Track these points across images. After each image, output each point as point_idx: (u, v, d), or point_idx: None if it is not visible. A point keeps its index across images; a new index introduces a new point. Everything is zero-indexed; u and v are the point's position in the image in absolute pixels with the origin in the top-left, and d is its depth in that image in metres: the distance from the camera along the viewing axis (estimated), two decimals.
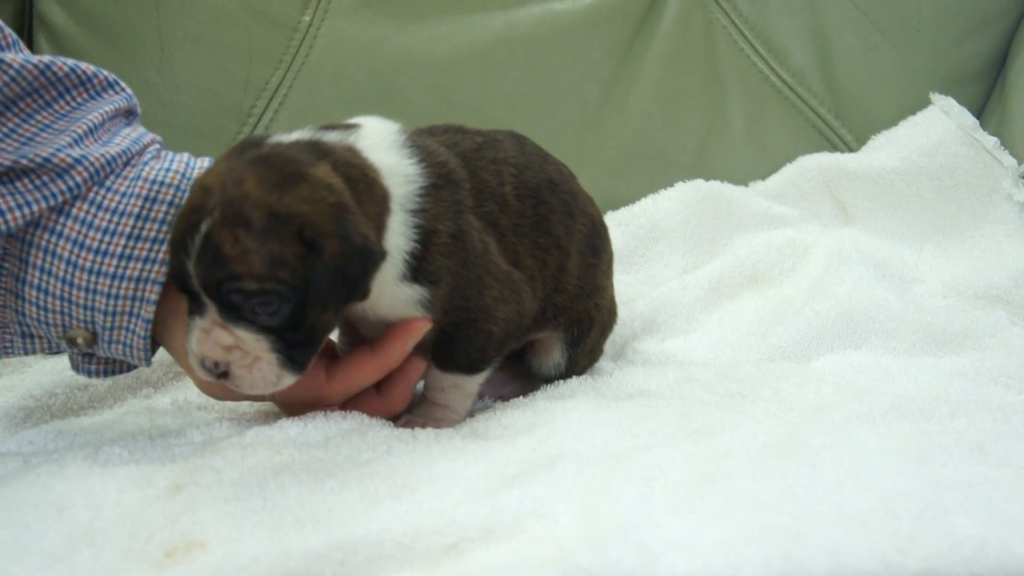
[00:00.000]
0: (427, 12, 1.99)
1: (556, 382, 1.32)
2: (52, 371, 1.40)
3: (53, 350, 1.14)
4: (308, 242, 0.97)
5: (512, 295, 1.17)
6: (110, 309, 1.07)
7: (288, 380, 1.04)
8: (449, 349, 1.18)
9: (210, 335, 1.01)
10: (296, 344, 1.02)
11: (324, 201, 0.99)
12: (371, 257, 1.01)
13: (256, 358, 1.01)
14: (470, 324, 1.15)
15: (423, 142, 1.14)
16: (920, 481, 0.82)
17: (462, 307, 1.13)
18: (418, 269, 1.09)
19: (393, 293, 1.09)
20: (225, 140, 1.91)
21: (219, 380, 1.03)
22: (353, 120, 1.14)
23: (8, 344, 1.13)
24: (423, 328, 1.12)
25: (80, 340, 1.09)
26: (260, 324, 1.00)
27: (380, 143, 1.10)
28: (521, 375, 1.37)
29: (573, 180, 1.31)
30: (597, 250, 1.32)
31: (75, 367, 1.17)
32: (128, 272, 1.06)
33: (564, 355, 1.33)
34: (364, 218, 1.03)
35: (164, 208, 1.08)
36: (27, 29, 1.97)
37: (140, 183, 1.08)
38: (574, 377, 1.33)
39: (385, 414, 1.16)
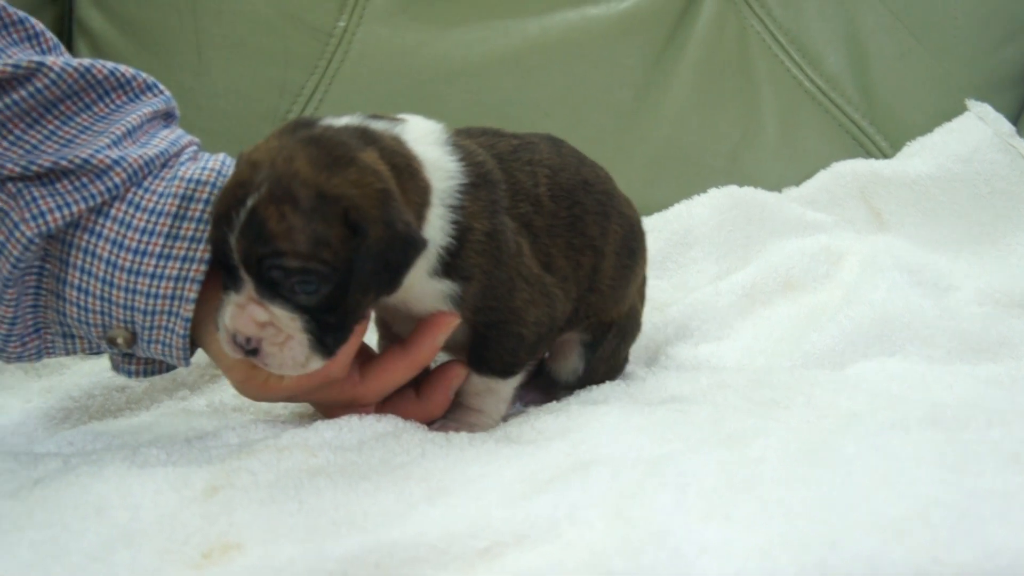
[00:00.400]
0: (462, 18, 1.99)
1: (589, 387, 1.32)
2: (90, 373, 1.41)
3: (94, 350, 1.15)
4: (353, 225, 0.98)
5: (543, 299, 1.17)
6: (149, 308, 1.08)
7: (315, 364, 1.04)
8: (482, 351, 1.19)
9: (245, 310, 1.01)
10: (328, 327, 1.02)
11: (371, 186, 0.99)
12: (414, 245, 1.02)
13: (288, 336, 1.02)
14: (501, 326, 1.16)
15: (463, 142, 1.15)
16: (956, 490, 0.82)
17: (493, 307, 1.14)
18: (451, 265, 1.10)
19: (422, 287, 1.10)
20: None
21: (248, 357, 1.03)
22: (398, 116, 1.15)
23: (50, 344, 1.14)
24: (452, 323, 1.12)
25: (120, 340, 1.10)
26: (296, 303, 1.00)
27: (424, 137, 1.11)
28: (549, 386, 1.38)
29: (610, 182, 1.31)
30: (633, 252, 1.33)
31: (115, 367, 1.18)
32: (167, 271, 1.07)
33: (582, 360, 1.33)
34: (407, 207, 1.04)
35: (201, 207, 1.08)
36: (67, 34, 1.99)
37: (177, 182, 1.09)
38: (607, 383, 1.33)
39: (423, 418, 1.17)
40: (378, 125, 1.09)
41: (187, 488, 0.92)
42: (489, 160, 1.15)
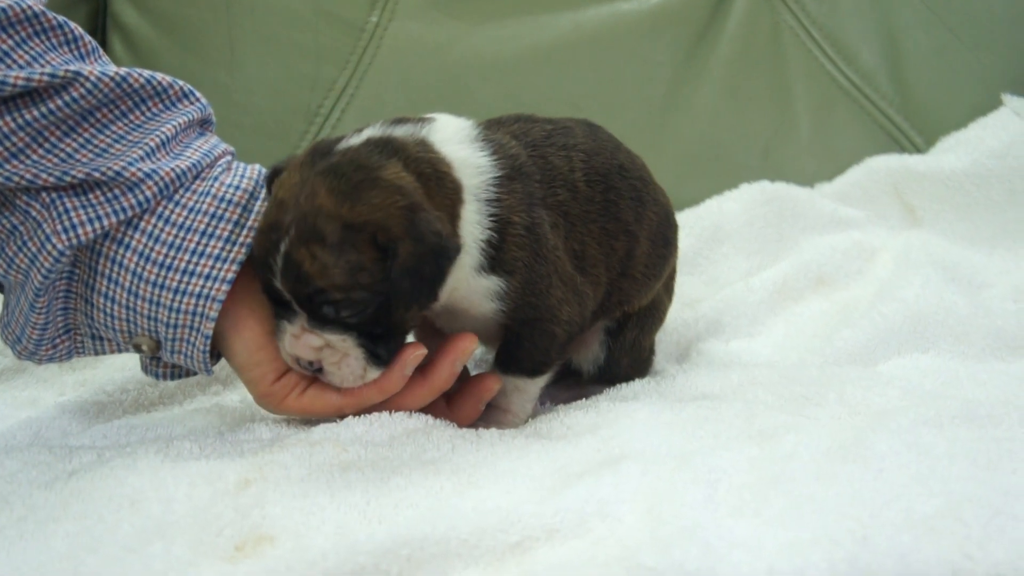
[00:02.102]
0: (493, 13, 2.00)
1: (618, 385, 1.32)
2: (124, 367, 1.42)
3: (122, 350, 1.17)
4: (383, 247, 1.00)
5: (575, 297, 1.18)
6: (172, 322, 1.09)
7: (373, 374, 1.08)
8: (514, 351, 1.19)
9: (300, 339, 1.06)
10: (380, 339, 1.06)
11: (395, 205, 1.01)
12: (446, 254, 1.03)
13: (344, 354, 1.06)
14: (535, 323, 1.16)
15: (494, 135, 1.15)
16: (989, 487, 0.81)
17: (532, 304, 1.14)
18: (495, 259, 1.11)
19: (469, 284, 1.11)
20: (293, 140, 1.93)
21: (314, 375, 1.09)
22: (425, 115, 1.15)
23: (79, 345, 1.16)
24: (470, 348, 1.13)
25: (145, 347, 1.13)
26: (346, 325, 1.04)
27: (452, 136, 1.12)
28: (576, 382, 1.38)
29: (645, 170, 1.31)
30: (668, 241, 1.33)
31: (144, 369, 1.20)
32: (191, 288, 1.08)
33: (603, 349, 1.33)
34: (437, 212, 1.05)
35: (229, 227, 1.10)
36: (101, 30, 2.00)
37: (208, 200, 1.11)
38: (636, 380, 1.33)
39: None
40: (401, 131, 1.09)
41: (220, 481, 0.92)
42: (522, 152, 1.16)
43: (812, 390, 1.19)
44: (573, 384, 1.37)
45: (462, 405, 1.17)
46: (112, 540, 0.83)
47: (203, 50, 1.95)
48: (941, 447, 0.92)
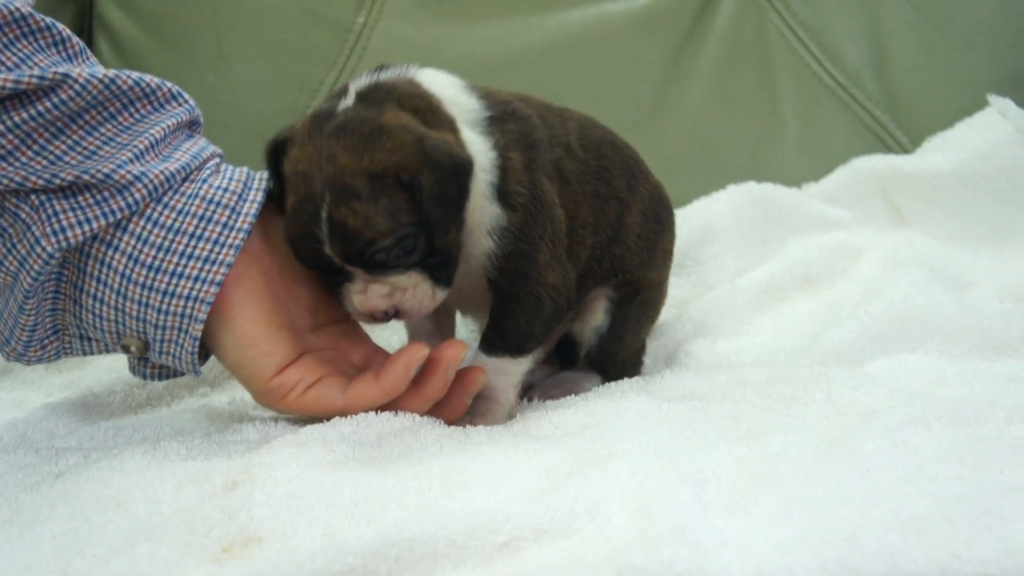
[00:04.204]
0: (481, 13, 2.00)
1: (607, 383, 1.31)
2: (111, 369, 1.42)
3: (110, 351, 1.16)
4: (408, 185, 1.05)
5: (559, 265, 1.20)
6: (160, 323, 1.09)
7: (441, 294, 1.15)
8: (500, 321, 1.20)
9: (368, 293, 1.11)
10: (438, 266, 1.12)
11: (405, 143, 1.06)
12: (463, 168, 1.09)
13: (413, 286, 1.12)
14: (523, 281, 1.18)
15: (485, 88, 1.21)
16: (976, 487, 0.82)
17: (522, 252, 1.17)
18: (500, 189, 1.15)
19: (481, 210, 1.14)
20: None
21: (391, 320, 1.15)
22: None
23: (68, 346, 1.16)
24: (460, 355, 1.13)
25: (133, 348, 1.13)
26: (404, 265, 1.10)
27: (439, 81, 1.17)
28: (566, 382, 1.38)
29: (637, 157, 1.36)
30: (661, 219, 1.36)
31: (132, 370, 1.20)
32: (179, 290, 1.08)
33: (608, 317, 1.34)
34: (440, 132, 1.10)
35: (217, 230, 1.10)
36: (87, 30, 2.00)
37: (196, 202, 1.11)
38: (625, 379, 1.33)
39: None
40: (388, 75, 1.15)
41: (207, 482, 0.92)
42: (517, 102, 1.21)
43: (800, 390, 1.19)
44: (565, 377, 1.37)
45: (448, 400, 1.17)
46: (99, 541, 0.83)
47: (190, 50, 1.95)
48: (929, 447, 0.93)
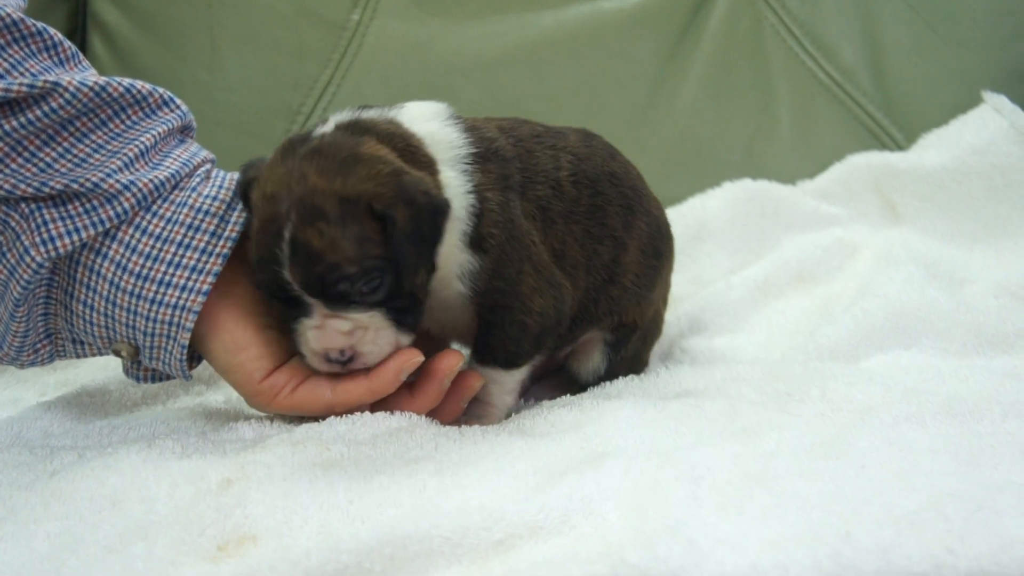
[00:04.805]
0: (475, 11, 2.00)
1: (603, 383, 1.31)
2: (105, 368, 1.42)
3: (103, 353, 1.17)
4: (380, 216, 1.01)
5: (550, 288, 1.17)
6: (149, 330, 1.10)
7: (406, 340, 1.10)
8: (486, 339, 1.18)
9: (326, 329, 1.06)
10: (403, 310, 1.07)
11: (381, 173, 1.02)
12: (439, 209, 1.04)
13: (376, 329, 1.06)
14: (505, 312, 1.15)
15: (472, 120, 1.17)
16: (971, 482, 0.82)
17: (500, 289, 1.14)
18: (472, 235, 1.11)
19: (452, 261, 1.11)
20: (275, 138, 1.90)
21: (345, 367, 1.08)
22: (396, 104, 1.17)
23: (61, 349, 1.17)
24: (456, 365, 1.12)
25: (124, 353, 1.13)
26: (368, 303, 1.04)
27: (421, 116, 1.13)
28: (564, 384, 1.38)
29: (639, 179, 1.32)
30: (660, 253, 1.33)
31: (125, 372, 1.21)
32: (167, 299, 1.08)
33: (604, 360, 1.33)
34: (420, 173, 1.06)
35: (205, 238, 1.10)
36: (81, 28, 2.00)
37: (185, 210, 1.11)
38: (620, 378, 1.32)
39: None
40: (370, 114, 1.12)
41: (202, 481, 0.92)
42: (501, 139, 1.16)
43: (795, 387, 1.19)
44: (563, 384, 1.37)
45: (444, 403, 1.17)
46: (93, 540, 0.83)
47: (184, 49, 1.95)
48: (923, 443, 0.93)
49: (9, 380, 1.48)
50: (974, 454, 0.90)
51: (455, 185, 1.10)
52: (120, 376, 1.37)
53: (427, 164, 1.09)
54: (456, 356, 1.13)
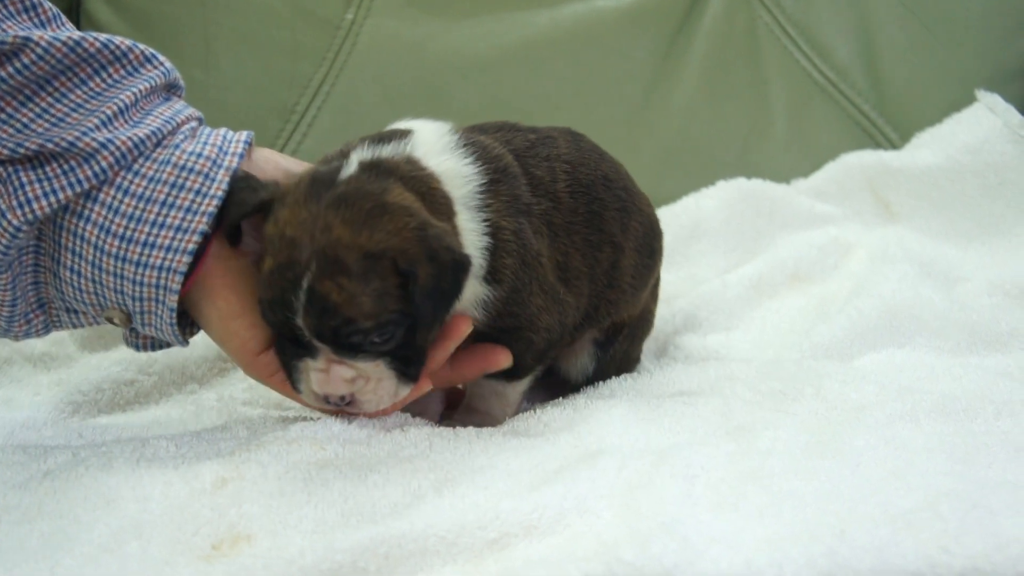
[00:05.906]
0: (470, 10, 1.99)
1: (596, 383, 1.31)
2: (99, 367, 1.41)
3: (98, 322, 1.14)
4: (403, 272, 1.00)
5: (555, 306, 1.17)
6: (136, 294, 1.06)
7: (404, 391, 1.09)
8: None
9: (330, 374, 1.04)
10: (408, 360, 1.06)
11: (408, 228, 1.01)
12: (461, 267, 1.03)
13: (377, 379, 1.05)
14: (514, 331, 1.15)
15: (476, 139, 1.15)
16: (965, 481, 0.82)
17: (513, 313, 1.13)
18: (489, 268, 1.10)
19: (471, 292, 1.10)
20: (269, 137, 1.92)
21: (342, 408, 1.08)
22: (402, 125, 1.15)
23: (55, 319, 1.14)
24: (465, 331, 1.12)
25: (117, 320, 1.10)
26: (375, 352, 1.03)
27: (433, 148, 1.11)
28: (555, 385, 1.37)
29: (629, 179, 1.31)
30: (653, 251, 1.33)
31: (125, 341, 1.18)
32: (152, 260, 1.05)
33: (593, 360, 1.33)
34: (442, 224, 1.05)
35: (190, 197, 1.06)
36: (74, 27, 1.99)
37: (168, 168, 1.07)
38: (613, 377, 1.32)
39: (443, 382, 1.19)
40: (387, 151, 1.09)
41: (197, 480, 0.92)
42: (506, 154, 1.16)
43: (789, 385, 1.19)
44: (553, 385, 1.37)
45: (465, 364, 1.16)
46: (88, 540, 0.83)
47: (179, 47, 1.94)
48: (918, 441, 0.93)
49: (2, 379, 1.48)
50: (968, 453, 0.90)
51: (470, 229, 1.09)
52: (114, 375, 1.37)
53: (445, 207, 1.08)
54: (466, 322, 1.12)
